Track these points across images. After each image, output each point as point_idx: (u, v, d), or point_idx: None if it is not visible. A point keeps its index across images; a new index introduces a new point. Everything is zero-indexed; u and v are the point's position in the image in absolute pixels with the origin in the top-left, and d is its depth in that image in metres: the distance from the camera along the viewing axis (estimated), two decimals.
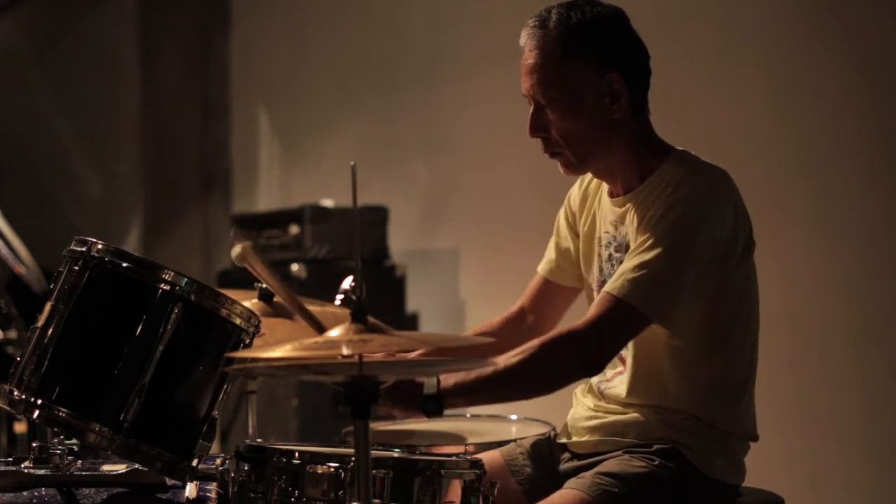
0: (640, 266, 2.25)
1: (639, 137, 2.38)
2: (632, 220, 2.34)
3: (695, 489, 2.32)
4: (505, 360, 2.26)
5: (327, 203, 4.96)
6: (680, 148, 2.42)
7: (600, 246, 2.45)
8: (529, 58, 2.34)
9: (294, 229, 4.93)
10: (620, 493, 2.28)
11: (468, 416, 3.03)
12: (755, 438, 2.42)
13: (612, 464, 2.33)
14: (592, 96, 2.33)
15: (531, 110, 2.37)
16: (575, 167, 2.39)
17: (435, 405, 2.26)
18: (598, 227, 2.46)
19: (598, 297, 2.30)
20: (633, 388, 2.37)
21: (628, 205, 2.37)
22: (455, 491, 2.15)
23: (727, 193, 2.32)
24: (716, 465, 2.34)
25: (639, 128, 2.38)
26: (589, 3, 2.36)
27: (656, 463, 2.30)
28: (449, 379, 2.28)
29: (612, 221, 2.41)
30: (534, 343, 2.25)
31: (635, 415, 2.36)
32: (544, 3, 2.50)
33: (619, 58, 2.34)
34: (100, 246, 2.22)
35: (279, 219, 5.04)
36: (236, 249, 2.27)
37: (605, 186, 2.47)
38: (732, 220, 2.30)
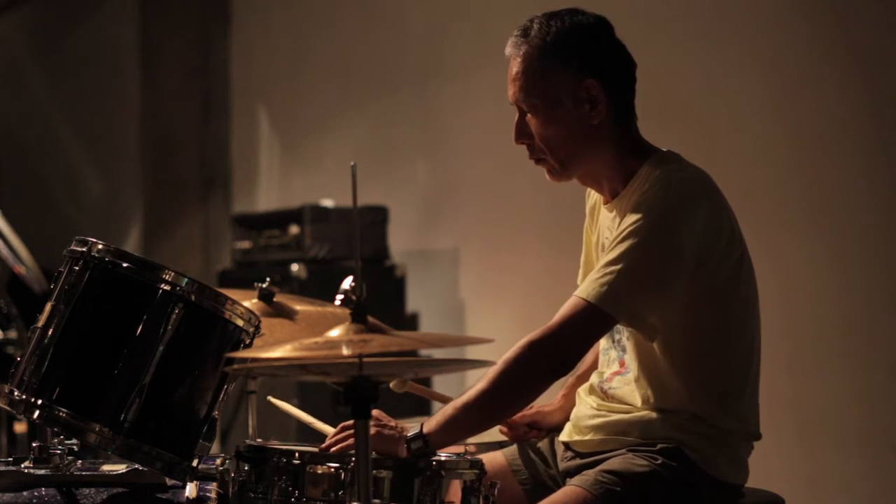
0: (605, 266, 2.28)
1: (621, 142, 2.40)
2: (618, 224, 2.36)
3: (698, 489, 2.33)
4: (474, 386, 2.30)
5: (327, 203, 4.97)
6: (665, 149, 2.43)
7: (602, 252, 2.47)
8: (513, 66, 2.41)
9: (294, 229, 4.93)
10: (622, 491, 2.29)
11: None
12: (758, 437, 2.42)
13: (615, 462, 2.34)
14: (571, 102, 2.37)
15: (516, 118, 2.43)
16: (559, 173, 2.43)
17: (419, 444, 2.27)
18: (601, 234, 2.49)
19: (566, 302, 2.32)
20: (634, 388, 2.39)
21: (616, 209, 2.40)
22: (455, 491, 2.15)
23: (698, 193, 2.33)
24: (719, 466, 2.35)
25: (621, 133, 2.41)
26: (570, 12, 2.41)
27: (659, 462, 2.31)
28: (430, 420, 2.30)
29: (608, 226, 2.44)
30: (499, 362, 2.28)
31: (639, 414, 2.37)
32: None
33: (597, 65, 2.38)
34: (100, 246, 2.22)
35: (279, 219, 5.04)
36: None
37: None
38: (705, 220, 2.31)
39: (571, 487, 2.32)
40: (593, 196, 2.56)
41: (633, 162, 2.39)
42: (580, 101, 2.37)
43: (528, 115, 2.40)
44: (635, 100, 2.44)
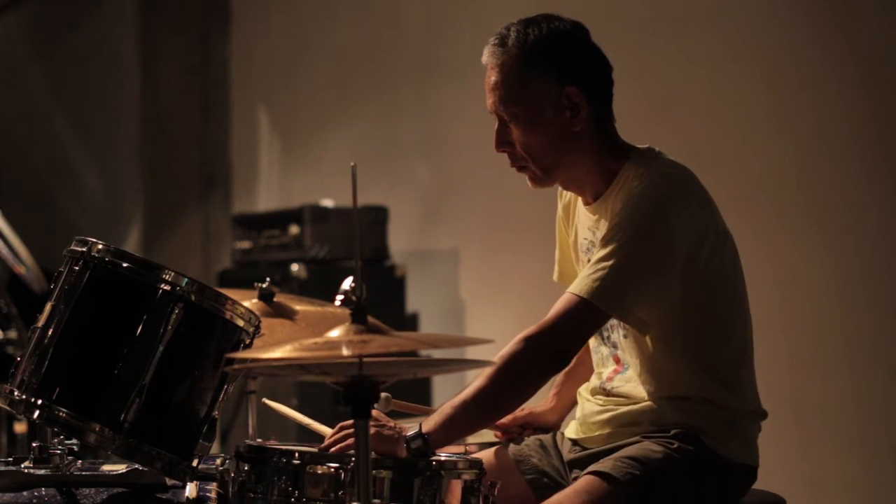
0: (597, 263, 2.29)
1: (602, 146, 2.41)
2: (603, 224, 2.37)
3: (713, 472, 2.33)
4: (471, 384, 2.30)
5: (327, 203, 4.97)
6: (643, 146, 2.43)
7: (581, 252, 2.48)
8: (491, 75, 2.40)
9: (294, 229, 4.93)
10: (643, 475, 2.28)
11: None
12: (764, 414, 2.43)
13: (632, 449, 2.34)
14: (552, 110, 2.37)
15: (496, 126, 2.42)
16: (541, 180, 2.43)
17: (419, 444, 2.27)
18: (579, 234, 2.50)
19: (560, 298, 2.33)
20: (637, 383, 2.39)
21: (599, 210, 2.41)
22: (455, 491, 2.15)
23: (684, 187, 2.35)
24: (732, 448, 2.36)
25: (601, 137, 2.41)
26: (547, 19, 2.40)
27: (675, 447, 2.32)
28: (429, 420, 2.30)
29: (589, 227, 2.45)
30: (495, 359, 2.27)
31: (647, 404, 2.38)
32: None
33: (577, 71, 2.38)
34: (100, 246, 2.22)
35: (279, 219, 5.04)
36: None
37: None
38: (692, 213, 2.33)
39: (590, 476, 2.30)
40: (567, 194, 2.56)
41: (614, 163, 2.40)
42: (561, 108, 2.37)
43: (510, 124, 2.39)
44: (613, 102, 2.44)
